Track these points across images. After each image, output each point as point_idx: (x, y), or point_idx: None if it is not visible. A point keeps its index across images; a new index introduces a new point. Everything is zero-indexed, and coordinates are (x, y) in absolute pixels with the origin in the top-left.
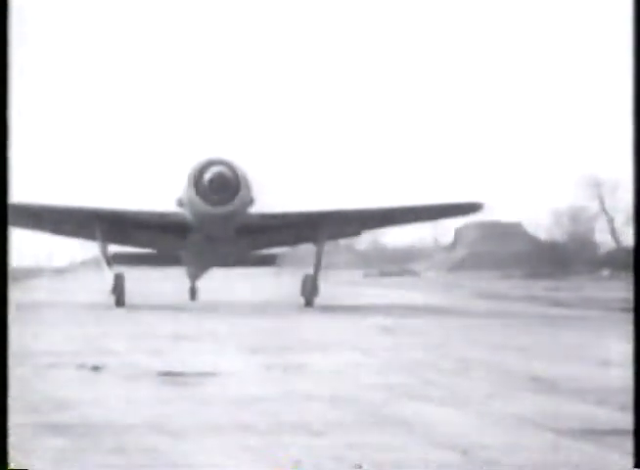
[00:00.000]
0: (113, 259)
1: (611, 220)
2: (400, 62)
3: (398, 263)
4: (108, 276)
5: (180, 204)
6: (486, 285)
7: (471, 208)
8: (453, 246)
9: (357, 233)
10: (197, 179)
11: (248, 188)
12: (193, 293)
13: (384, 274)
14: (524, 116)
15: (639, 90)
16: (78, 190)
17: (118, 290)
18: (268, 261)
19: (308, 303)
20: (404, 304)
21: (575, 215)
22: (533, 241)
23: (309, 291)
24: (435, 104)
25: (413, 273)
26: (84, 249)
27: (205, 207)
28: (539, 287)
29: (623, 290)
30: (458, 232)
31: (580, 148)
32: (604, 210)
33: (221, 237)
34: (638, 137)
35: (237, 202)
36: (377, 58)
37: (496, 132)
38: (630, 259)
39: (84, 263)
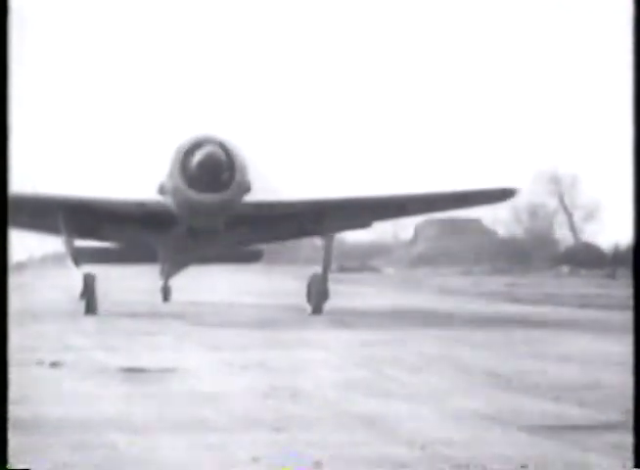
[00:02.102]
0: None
1: (570, 216)
2: (408, 47)
3: (358, 259)
4: (75, 277)
5: (162, 191)
6: (446, 281)
7: (503, 194)
8: (413, 242)
9: (368, 224)
10: (183, 162)
11: (244, 172)
12: (166, 293)
13: (344, 270)
14: (481, 112)
15: (639, 90)
16: (39, 172)
17: (89, 294)
18: (254, 257)
19: (316, 309)
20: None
21: (534, 212)
22: (493, 237)
23: (318, 295)
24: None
25: (373, 269)
26: (44, 242)
27: (192, 195)
28: (499, 283)
29: (583, 286)
30: (418, 228)
31: (538, 143)
32: (563, 206)
33: (209, 230)
34: (638, 137)
35: (232, 189)
36: (386, 40)
37: (454, 128)
38: (589, 256)
39: (44, 259)
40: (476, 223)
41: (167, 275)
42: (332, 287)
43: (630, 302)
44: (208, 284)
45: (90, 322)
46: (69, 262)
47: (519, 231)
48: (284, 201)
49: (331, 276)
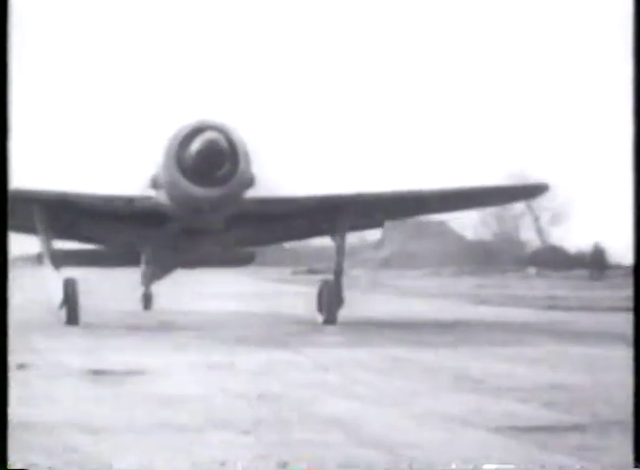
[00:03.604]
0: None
1: (536, 219)
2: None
3: (326, 261)
4: (54, 283)
5: (155, 185)
6: (413, 283)
7: (534, 190)
8: (380, 244)
9: (381, 223)
10: (179, 151)
11: (248, 163)
12: (147, 300)
13: (312, 272)
14: (449, 114)
15: (639, 90)
16: (15, 164)
17: (71, 302)
18: (245, 260)
19: (329, 319)
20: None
21: (501, 214)
22: (460, 239)
23: (331, 303)
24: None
25: None
26: (17, 243)
27: (190, 188)
28: (466, 285)
29: (549, 288)
30: (385, 231)
31: (506, 146)
32: (529, 208)
33: (206, 230)
34: (638, 137)
35: (235, 182)
36: (395, 32)
37: (422, 129)
38: (556, 258)
39: (15, 260)
40: (442, 226)
41: (150, 280)
42: (303, 289)
43: (596, 303)
44: (191, 289)
45: (74, 335)
46: (47, 266)
47: (486, 234)
48: (290, 197)
49: (298, 278)
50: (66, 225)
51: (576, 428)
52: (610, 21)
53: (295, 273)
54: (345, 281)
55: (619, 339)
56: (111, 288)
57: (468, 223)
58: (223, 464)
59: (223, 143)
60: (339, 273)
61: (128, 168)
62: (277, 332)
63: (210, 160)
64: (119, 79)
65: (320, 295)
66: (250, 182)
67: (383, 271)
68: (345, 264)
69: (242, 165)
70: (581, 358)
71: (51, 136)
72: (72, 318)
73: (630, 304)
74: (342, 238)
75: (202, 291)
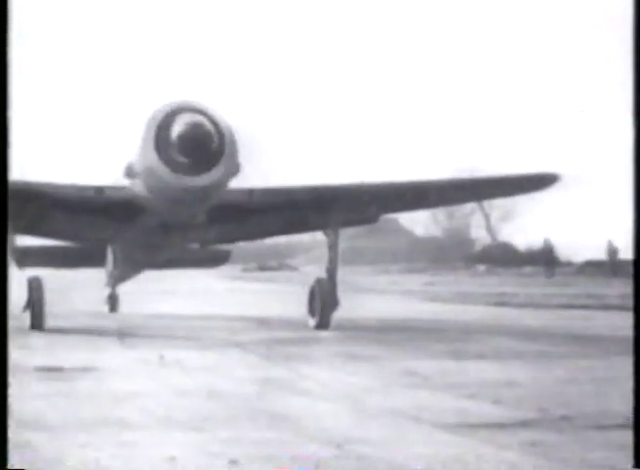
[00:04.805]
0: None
1: (486, 216)
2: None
3: (277, 258)
4: (15, 282)
5: (130, 173)
6: (364, 280)
7: (542, 181)
8: None
9: (376, 218)
10: (159, 135)
11: (234, 149)
12: (113, 302)
13: (262, 269)
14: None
15: (639, 89)
16: None
17: (36, 305)
18: (221, 259)
19: (322, 323)
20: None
21: (451, 211)
22: (410, 237)
23: (325, 305)
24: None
25: (292, 268)
26: None
27: (170, 177)
28: (416, 282)
29: (499, 285)
30: None
31: (456, 141)
32: (480, 206)
33: (185, 224)
34: (638, 138)
35: (220, 170)
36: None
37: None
38: (506, 255)
39: None
40: (393, 223)
41: (117, 281)
42: (259, 286)
43: (546, 300)
44: (158, 288)
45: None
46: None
47: (436, 231)
48: (279, 187)
49: (248, 275)
50: (28, 219)
51: (524, 424)
52: (609, 20)
53: (245, 270)
54: (297, 277)
55: (567, 336)
56: (70, 287)
57: (418, 220)
58: None
59: (208, 127)
60: (332, 272)
61: (99, 156)
62: (265, 338)
63: (194, 144)
64: (97, 55)
65: (312, 296)
66: (236, 170)
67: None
68: (298, 261)
69: (228, 151)
70: (533, 354)
71: (14, 119)
72: (36, 323)
73: (578, 301)
74: (336, 233)
75: (152, 289)
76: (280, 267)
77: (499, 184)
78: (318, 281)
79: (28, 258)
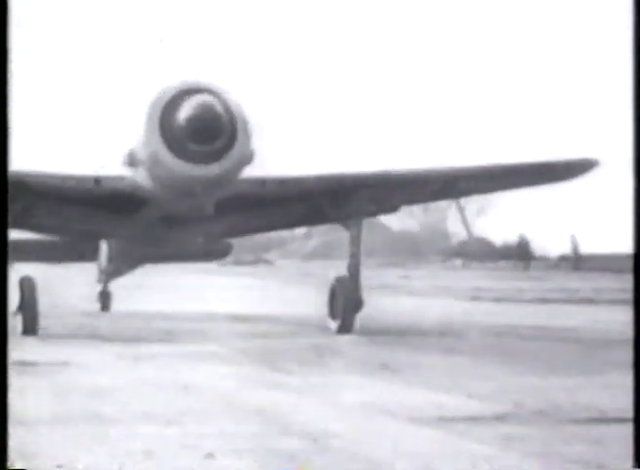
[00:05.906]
0: None
1: (462, 211)
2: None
3: (253, 252)
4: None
5: (131, 162)
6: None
7: (582, 167)
8: (308, 235)
9: (396, 208)
10: (164, 118)
11: (248, 134)
12: (105, 300)
13: (238, 263)
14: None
15: (639, 89)
16: None
17: (29, 307)
18: (222, 253)
19: (345, 326)
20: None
21: (427, 206)
22: (386, 231)
23: (348, 306)
24: None
25: (267, 262)
26: None
27: (177, 165)
28: (393, 276)
29: (475, 279)
30: None
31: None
32: (455, 200)
33: (191, 217)
34: (638, 134)
35: (232, 157)
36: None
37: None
38: (481, 249)
39: None
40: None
41: (110, 277)
42: (242, 281)
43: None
44: (152, 282)
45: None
46: None
47: (412, 225)
48: (295, 176)
49: (224, 269)
50: (18, 211)
51: (498, 418)
52: (609, 20)
53: (221, 264)
54: (272, 271)
55: (539, 329)
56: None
57: (394, 215)
58: None
59: (218, 109)
60: (355, 269)
61: (97, 143)
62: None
63: (204, 129)
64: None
65: (332, 296)
66: (249, 158)
67: (310, 262)
68: (273, 255)
69: (241, 136)
70: (503, 348)
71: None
72: (29, 327)
73: (552, 295)
74: (359, 226)
75: (141, 283)
76: (256, 261)
77: (536, 171)
78: (339, 280)
79: (17, 252)
